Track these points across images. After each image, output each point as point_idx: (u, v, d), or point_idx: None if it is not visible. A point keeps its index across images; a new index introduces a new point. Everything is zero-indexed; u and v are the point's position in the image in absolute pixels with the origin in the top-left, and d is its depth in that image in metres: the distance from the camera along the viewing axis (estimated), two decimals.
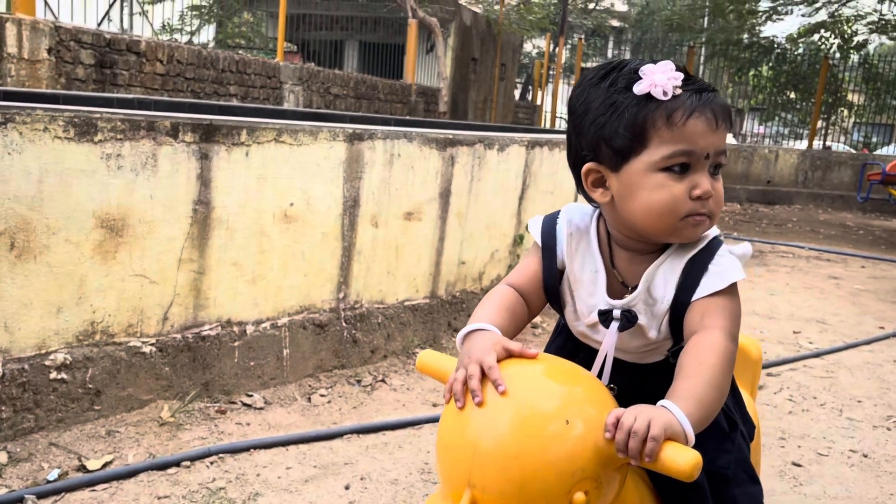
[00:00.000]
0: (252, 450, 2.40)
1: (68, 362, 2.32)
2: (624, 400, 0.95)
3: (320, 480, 2.27)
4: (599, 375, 1.11)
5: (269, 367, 2.85)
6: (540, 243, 1.18)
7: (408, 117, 10.26)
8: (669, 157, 1.03)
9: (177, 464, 2.25)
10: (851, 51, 18.60)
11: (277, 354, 2.88)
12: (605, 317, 1.11)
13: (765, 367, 3.75)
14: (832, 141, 18.69)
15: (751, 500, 1.16)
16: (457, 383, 0.93)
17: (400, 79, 12.07)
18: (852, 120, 20.68)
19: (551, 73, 18.58)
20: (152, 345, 2.52)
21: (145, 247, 2.44)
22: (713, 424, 1.05)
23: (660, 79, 1.03)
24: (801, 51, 19.06)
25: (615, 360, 1.13)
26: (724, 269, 1.06)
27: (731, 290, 1.06)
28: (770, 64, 18.86)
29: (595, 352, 1.13)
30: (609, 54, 34.11)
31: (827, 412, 3.24)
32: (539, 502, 0.81)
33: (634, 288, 1.11)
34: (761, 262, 7.08)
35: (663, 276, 1.09)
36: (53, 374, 2.29)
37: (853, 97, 19.72)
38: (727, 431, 1.12)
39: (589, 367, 1.12)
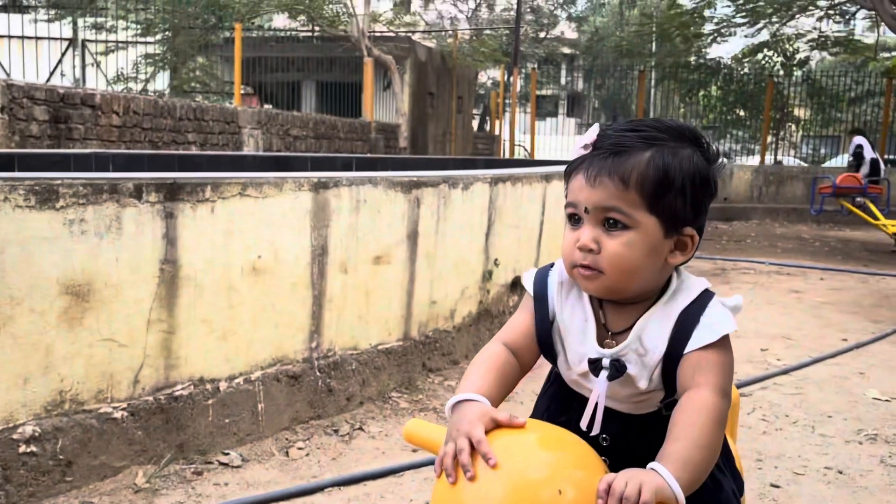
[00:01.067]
0: None
1: (37, 434, 2.26)
2: (617, 451, 0.96)
3: None
4: (591, 425, 1.13)
5: (244, 424, 2.81)
6: (532, 294, 1.21)
7: (369, 155, 10.31)
8: (565, 207, 1.13)
9: None
10: (794, 68, 19.24)
11: (252, 409, 2.84)
12: (595, 365, 1.13)
13: (738, 387, 3.81)
14: (783, 155, 19.21)
15: None
16: (447, 458, 0.93)
17: (359, 117, 12.15)
18: (800, 134, 21.30)
19: (507, 102, 18.85)
20: (124, 409, 2.47)
21: (112, 310, 2.41)
22: (699, 492, 1.07)
23: (579, 140, 1.13)
24: (746, 70, 19.64)
25: (609, 409, 1.14)
26: (715, 321, 1.08)
27: (723, 343, 1.08)
28: (718, 84, 19.39)
29: (587, 400, 1.15)
30: (562, 81, 34.76)
31: (800, 430, 3.29)
32: None
33: (622, 336, 1.13)
34: (724, 279, 7.21)
35: (656, 327, 1.11)
36: (23, 448, 2.23)
37: (799, 112, 20.33)
38: (713, 492, 1.14)
39: (582, 416, 1.14)
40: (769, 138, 17.51)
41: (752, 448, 3.04)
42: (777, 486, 2.70)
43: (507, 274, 4.35)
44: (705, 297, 1.12)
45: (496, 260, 4.17)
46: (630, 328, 1.12)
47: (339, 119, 11.10)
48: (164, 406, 2.57)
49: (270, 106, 13.72)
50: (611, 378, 1.11)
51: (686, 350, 1.07)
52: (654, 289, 1.13)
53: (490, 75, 28.06)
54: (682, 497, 0.88)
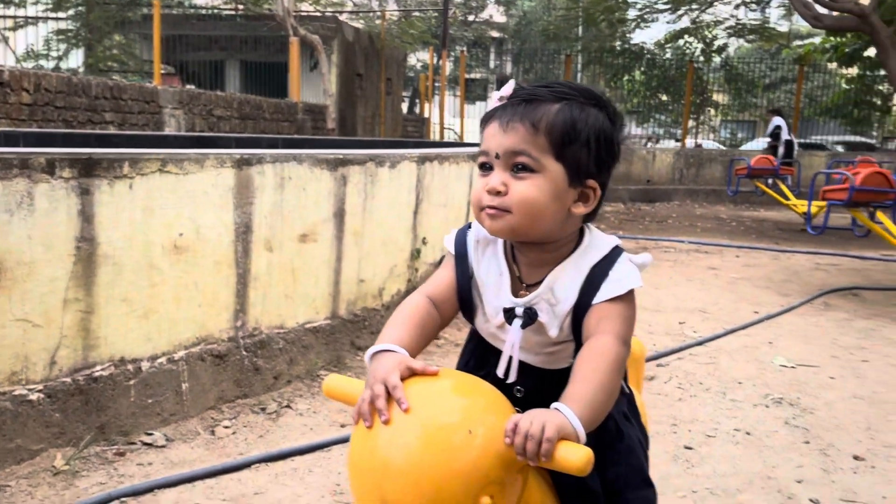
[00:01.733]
0: (156, 490, 2.33)
1: None
2: (530, 403, 1.01)
3: None
4: (506, 374, 1.18)
5: (168, 404, 2.77)
6: (453, 252, 1.25)
7: (296, 136, 10.17)
8: (477, 156, 1.17)
9: None
10: (713, 54, 19.87)
11: (176, 389, 2.80)
12: (509, 314, 1.18)
13: (654, 358, 3.97)
14: (703, 139, 19.87)
15: (643, 503, 1.26)
16: (364, 404, 0.96)
17: (285, 97, 11.94)
18: (719, 118, 22.06)
19: (437, 85, 18.84)
20: (40, 391, 2.40)
21: (26, 290, 2.33)
22: (603, 436, 1.13)
23: (494, 94, 1.19)
24: (668, 56, 20.18)
25: (525, 364, 1.20)
26: (623, 276, 1.15)
27: (629, 297, 1.15)
28: (642, 69, 19.86)
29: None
30: (491, 65, 34.92)
31: (712, 396, 3.46)
32: None
33: (535, 288, 1.18)
34: None
35: (568, 279, 1.16)
36: None
37: (718, 97, 21.04)
38: (615, 442, 1.20)
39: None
40: (690, 122, 18.08)
41: (669, 414, 3.18)
42: (690, 448, 2.84)
43: (435, 252, 4.39)
44: (615, 254, 1.18)
45: (424, 238, 4.20)
46: (543, 280, 1.18)
47: (265, 99, 10.88)
48: (83, 387, 2.51)
49: (193, 86, 13.34)
50: (524, 325, 1.17)
51: (594, 301, 1.13)
52: (560, 238, 1.18)
53: (419, 58, 27.98)
54: (582, 433, 0.93)
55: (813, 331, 4.74)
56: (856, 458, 2.81)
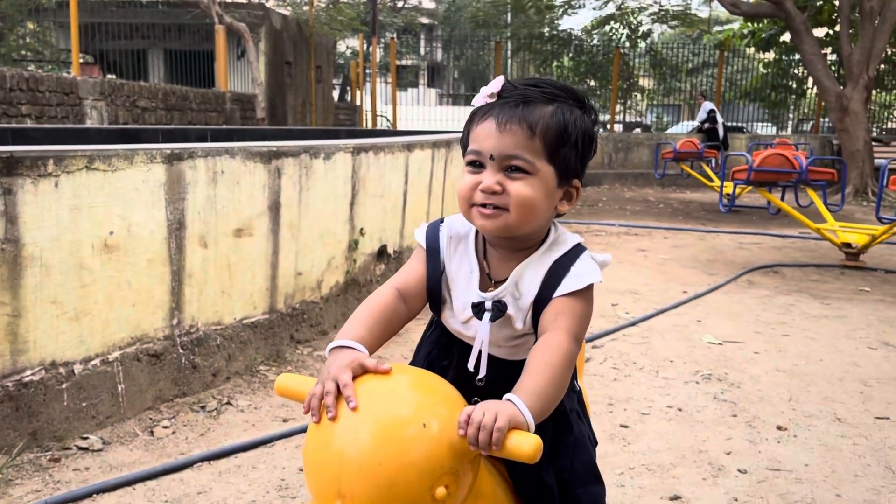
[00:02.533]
0: (95, 495, 2.28)
1: None
2: (491, 394, 1.04)
3: None
4: (476, 367, 1.21)
5: (103, 406, 2.71)
6: (424, 247, 1.28)
7: (225, 126, 9.95)
8: (467, 155, 1.20)
9: None
10: (638, 40, 20.32)
11: (111, 391, 2.74)
12: (478, 308, 1.21)
13: (589, 340, 4.08)
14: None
15: (592, 499, 1.31)
16: (314, 399, 0.98)
17: (212, 87, 11.65)
18: (645, 103, 22.60)
19: (368, 72, 18.69)
20: None
21: None
22: (554, 428, 1.17)
23: (483, 90, 1.20)
24: (595, 42, 20.54)
25: (489, 356, 1.23)
26: (583, 271, 1.19)
27: (587, 293, 1.19)
28: (570, 55, 20.16)
29: (468, 347, 1.23)
30: (421, 51, 34.82)
31: (645, 375, 3.58)
32: (405, 503, 0.89)
33: (502, 284, 1.22)
34: None
35: (531, 273, 1.21)
36: None
37: (644, 82, 21.55)
38: (564, 436, 1.25)
39: (464, 361, 1.22)
40: (617, 107, 18.46)
41: (604, 394, 3.29)
42: (626, 426, 2.94)
43: (373, 243, 4.39)
44: (577, 250, 1.23)
45: (362, 229, 4.20)
46: (509, 276, 1.22)
47: (192, 90, 10.60)
48: (12, 393, 2.43)
49: (114, 76, 12.88)
50: (493, 319, 1.20)
51: (555, 295, 1.18)
52: (537, 237, 1.23)
53: (349, 44, 27.67)
54: (532, 423, 0.97)
55: (738, 308, 4.95)
56: (779, 428, 2.97)
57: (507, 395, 1.00)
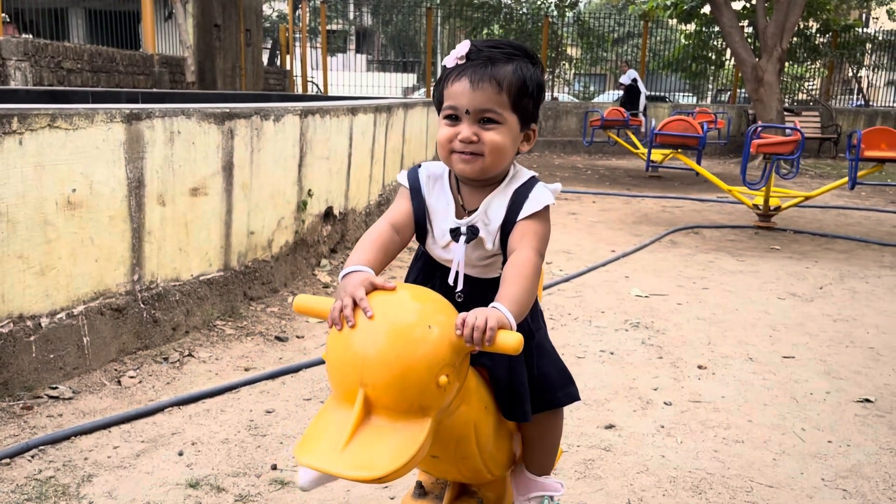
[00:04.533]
0: (73, 437, 2.40)
1: None
2: (467, 307, 1.25)
3: (152, 452, 2.36)
4: (455, 283, 1.43)
5: (70, 358, 2.80)
6: (408, 186, 1.50)
7: (155, 90, 9.75)
8: (444, 110, 1.40)
9: None
10: (566, 9, 20.63)
11: (77, 343, 2.83)
12: (455, 233, 1.44)
13: None
14: (558, 92, 20.71)
15: (570, 398, 1.59)
16: (335, 312, 1.18)
17: (138, 49, 11.34)
18: (573, 72, 23.01)
19: (297, 37, 18.40)
20: None
21: None
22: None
23: (452, 53, 1.39)
24: (524, 10, 20.75)
25: (465, 275, 1.46)
26: (539, 196, 1.43)
27: (544, 215, 1.42)
28: (500, 23, 20.32)
29: (448, 270, 1.46)
30: (350, 16, 34.31)
31: (580, 324, 3.88)
32: (415, 387, 1.09)
33: (474, 213, 1.45)
34: None
35: (497, 202, 1.44)
36: None
37: (572, 51, 21.92)
38: (528, 339, 1.48)
39: (446, 282, 1.44)
40: (546, 76, 18.77)
41: None
42: None
43: (320, 204, 4.53)
44: (532, 181, 1.47)
45: (310, 191, 4.32)
46: (479, 206, 1.45)
47: (118, 51, 10.30)
48: None
49: (31, 36, 12.34)
50: (468, 241, 1.43)
51: (518, 218, 1.41)
52: (502, 174, 1.46)
53: (276, 7, 27.05)
54: (514, 323, 1.20)
55: (662, 265, 5.31)
56: (700, 367, 3.31)
57: (493, 304, 1.21)
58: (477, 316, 1.16)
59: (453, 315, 1.18)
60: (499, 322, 1.17)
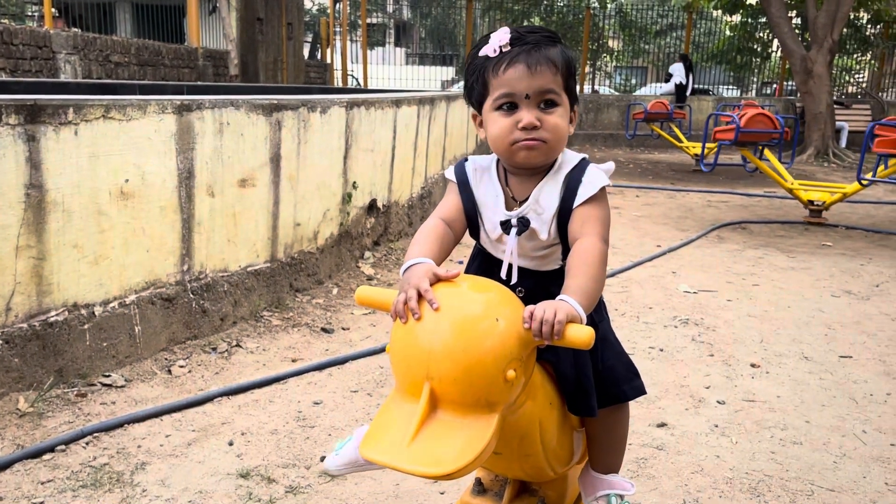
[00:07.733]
0: (126, 425, 2.43)
1: None
2: (530, 301, 1.21)
3: (203, 441, 2.37)
4: (508, 276, 1.39)
5: (122, 346, 2.84)
6: (456, 181, 1.46)
7: (200, 83, 9.86)
8: (497, 99, 1.35)
9: (50, 449, 2.24)
10: (608, 1, 20.38)
11: (129, 332, 2.86)
12: (506, 225, 1.40)
13: None
14: (599, 85, 20.49)
15: (636, 391, 1.54)
16: (399, 304, 1.15)
17: (183, 43, 11.49)
18: (614, 64, 22.75)
19: (337, 30, 18.48)
20: None
21: None
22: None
23: (493, 41, 1.34)
24: (566, 2, 20.55)
25: (522, 268, 1.42)
26: (594, 178, 1.38)
27: (602, 197, 1.37)
28: (540, 15, 20.15)
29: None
30: (389, 9, 34.38)
31: (628, 319, 3.81)
32: (483, 381, 1.06)
33: (524, 203, 1.40)
34: None
35: (549, 189, 1.39)
36: None
37: (613, 44, 21.66)
38: (597, 323, 1.44)
39: (503, 278, 1.38)
40: (587, 68, 18.59)
41: None
42: None
43: (364, 197, 4.52)
44: (584, 163, 1.42)
45: (355, 183, 4.32)
46: (530, 195, 1.40)
47: (164, 45, 10.45)
48: (39, 332, 2.54)
49: (79, 30, 12.59)
50: (519, 232, 1.39)
51: (574, 204, 1.36)
52: (552, 160, 1.41)
53: (317, 1, 27.21)
54: (584, 316, 1.15)
55: (709, 260, 5.20)
56: (753, 365, 3.22)
57: (560, 296, 1.17)
58: (545, 309, 1.12)
59: (519, 307, 1.14)
60: (568, 315, 1.12)
